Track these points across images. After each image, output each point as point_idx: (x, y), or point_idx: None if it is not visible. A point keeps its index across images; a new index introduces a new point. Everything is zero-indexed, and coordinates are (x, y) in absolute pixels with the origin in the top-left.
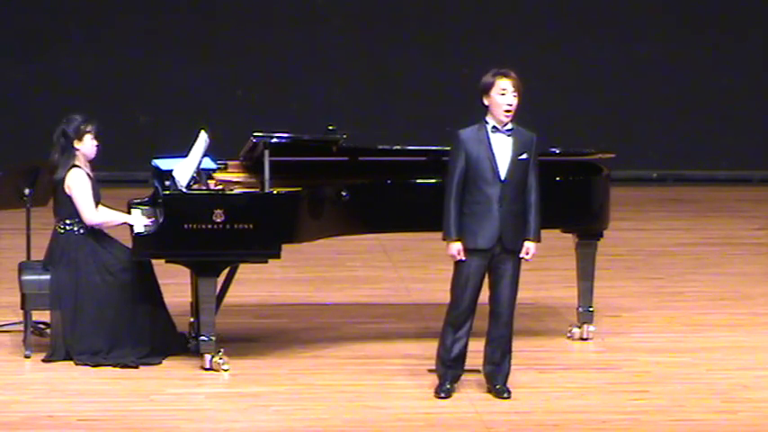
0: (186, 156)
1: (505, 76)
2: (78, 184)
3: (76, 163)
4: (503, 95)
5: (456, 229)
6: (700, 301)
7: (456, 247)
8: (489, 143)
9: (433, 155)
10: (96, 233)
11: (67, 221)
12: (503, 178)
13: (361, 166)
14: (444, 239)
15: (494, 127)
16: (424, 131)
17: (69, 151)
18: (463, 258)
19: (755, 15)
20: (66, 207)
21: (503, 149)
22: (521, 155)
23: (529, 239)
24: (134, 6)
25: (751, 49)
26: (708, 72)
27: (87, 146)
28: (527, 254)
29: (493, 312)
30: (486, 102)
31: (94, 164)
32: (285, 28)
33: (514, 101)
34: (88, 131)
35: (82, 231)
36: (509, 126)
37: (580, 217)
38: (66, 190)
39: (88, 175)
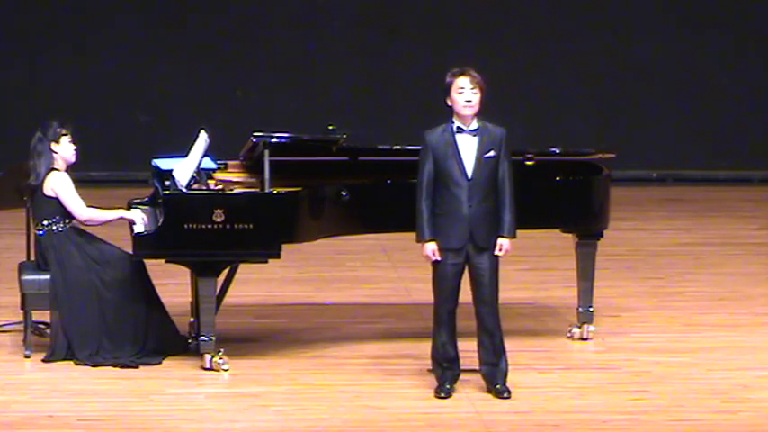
0: (186, 156)
1: (462, 74)
2: (62, 184)
3: (55, 166)
4: (461, 94)
5: (429, 230)
6: (700, 301)
7: (430, 248)
8: (455, 144)
9: None
10: (78, 230)
11: (45, 222)
12: (469, 177)
13: (361, 166)
14: (418, 241)
15: (458, 127)
16: (423, 131)
17: (47, 155)
18: (439, 258)
19: (756, 15)
20: (45, 209)
21: (468, 149)
22: (487, 152)
23: (502, 236)
24: (134, 6)
25: (751, 49)
26: (708, 72)
27: (65, 148)
28: (500, 250)
29: (478, 313)
30: (449, 102)
31: (93, 164)
32: (285, 28)
33: (474, 97)
34: (64, 134)
35: (61, 230)
36: (474, 125)
37: (580, 217)
38: (49, 192)
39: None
